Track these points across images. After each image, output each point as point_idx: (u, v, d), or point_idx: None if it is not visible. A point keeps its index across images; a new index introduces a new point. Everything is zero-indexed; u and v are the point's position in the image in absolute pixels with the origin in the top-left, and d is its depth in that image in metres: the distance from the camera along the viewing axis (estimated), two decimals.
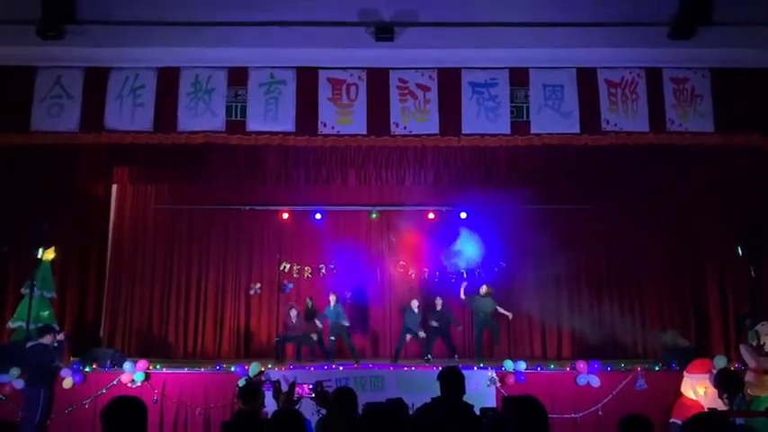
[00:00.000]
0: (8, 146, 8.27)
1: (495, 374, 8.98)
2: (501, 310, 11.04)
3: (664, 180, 11.79)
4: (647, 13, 8.03)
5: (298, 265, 12.74)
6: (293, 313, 11.09)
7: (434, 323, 10.94)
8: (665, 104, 8.23)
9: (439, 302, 11.21)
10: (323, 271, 12.68)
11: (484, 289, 11.19)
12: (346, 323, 10.91)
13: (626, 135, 8.25)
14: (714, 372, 7.65)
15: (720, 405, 5.46)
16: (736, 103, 8.16)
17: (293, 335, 10.92)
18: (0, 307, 10.01)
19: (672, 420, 8.31)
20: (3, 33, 7.85)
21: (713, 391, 6.58)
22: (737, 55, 8.14)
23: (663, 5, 7.94)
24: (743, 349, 8.11)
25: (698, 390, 8.22)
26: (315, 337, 10.81)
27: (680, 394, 8.59)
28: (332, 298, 11.13)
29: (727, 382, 5.46)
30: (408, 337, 11.02)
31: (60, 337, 8.63)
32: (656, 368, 9.34)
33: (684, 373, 8.63)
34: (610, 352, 11.16)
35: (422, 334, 10.87)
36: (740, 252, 9.25)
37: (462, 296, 11.33)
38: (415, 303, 11.14)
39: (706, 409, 6.52)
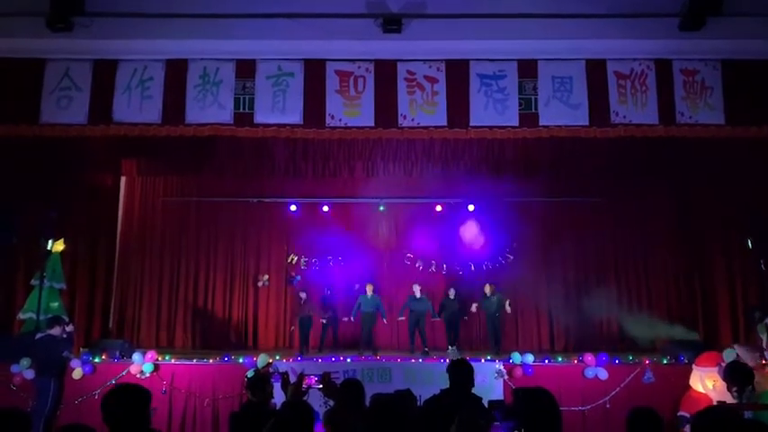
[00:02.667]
0: (18, 137, 8.29)
1: (502, 367, 8.98)
2: (507, 308, 11.15)
3: (673, 172, 11.71)
4: (656, 4, 7.95)
5: (305, 257, 12.80)
6: (303, 295, 11.40)
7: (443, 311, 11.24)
8: (674, 97, 8.14)
9: (452, 292, 11.38)
10: (330, 263, 12.71)
11: (488, 289, 11.27)
12: (384, 319, 11.20)
13: (635, 127, 8.17)
14: (723, 365, 7.61)
15: (729, 398, 5.42)
16: (747, 96, 8.06)
17: (306, 314, 11.22)
18: (10, 298, 10.11)
19: (680, 413, 8.27)
20: (12, 25, 7.87)
21: (722, 384, 6.53)
22: (748, 46, 8.04)
23: None
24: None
25: (707, 383, 8.19)
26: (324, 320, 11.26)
27: (688, 387, 8.56)
28: (369, 287, 11.31)
29: (736, 375, 5.41)
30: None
31: (69, 328, 8.70)
32: (665, 361, 9.31)
33: (693, 366, 8.59)
34: (617, 344, 11.14)
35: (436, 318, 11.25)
36: (750, 245, 9.19)
37: (474, 309, 11.45)
38: (417, 288, 11.28)
39: (715, 403, 6.50)
